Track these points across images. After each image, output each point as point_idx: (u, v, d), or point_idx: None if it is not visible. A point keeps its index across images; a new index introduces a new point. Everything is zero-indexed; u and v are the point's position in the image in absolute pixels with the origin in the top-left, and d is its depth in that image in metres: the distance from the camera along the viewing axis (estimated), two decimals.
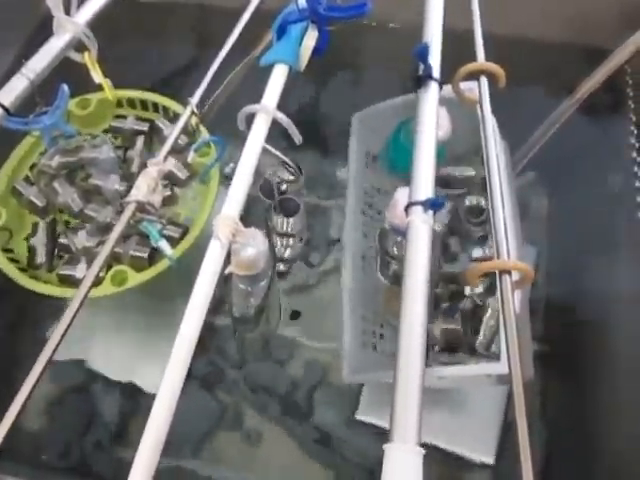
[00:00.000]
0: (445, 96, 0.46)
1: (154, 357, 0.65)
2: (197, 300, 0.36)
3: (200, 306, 0.36)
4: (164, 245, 0.49)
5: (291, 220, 0.65)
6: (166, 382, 0.34)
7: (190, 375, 0.34)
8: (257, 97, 0.44)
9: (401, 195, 0.56)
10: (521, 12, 0.80)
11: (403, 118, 0.66)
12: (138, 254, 0.59)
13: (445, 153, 0.61)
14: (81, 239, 0.60)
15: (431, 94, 0.44)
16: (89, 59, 0.53)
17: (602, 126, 0.75)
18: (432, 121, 0.43)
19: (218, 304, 0.65)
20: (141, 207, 0.43)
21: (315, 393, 0.64)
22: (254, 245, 0.41)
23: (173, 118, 0.67)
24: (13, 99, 0.48)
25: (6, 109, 0.47)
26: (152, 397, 0.64)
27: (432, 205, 0.37)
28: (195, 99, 0.49)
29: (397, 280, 0.61)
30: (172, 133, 0.47)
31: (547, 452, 0.57)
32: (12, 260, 0.59)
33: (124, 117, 0.68)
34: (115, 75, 0.58)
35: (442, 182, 0.64)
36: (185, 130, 0.49)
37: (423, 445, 0.29)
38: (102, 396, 0.65)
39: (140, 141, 0.65)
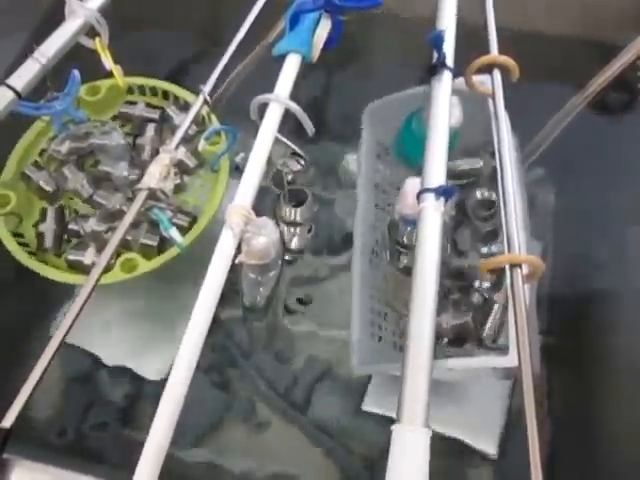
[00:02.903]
0: (456, 89, 0.46)
1: (161, 345, 0.66)
2: (209, 288, 0.36)
3: (212, 295, 0.36)
4: (174, 233, 0.49)
5: (299, 210, 0.65)
6: (176, 370, 0.34)
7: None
8: (269, 87, 0.44)
9: (411, 185, 0.56)
10: (532, 6, 0.79)
11: (415, 109, 0.65)
12: (148, 242, 0.59)
13: (457, 142, 0.61)
14: (91, 225, 0.60)
15: (444, 82, 0.44)
16: (100, 45, 0.53)
17: (612, 122, 0.74)
18: (445, 109, 0.43)
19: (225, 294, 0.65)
20: (153, 194, 0.43)
21: (321, 384, 0.64)
22: (266, 234, 0.41)
23: (183, 106, 0.66)
24: (24, 83, 0.48)
25: (17, 93, 0.47)
26: (157, 384, 0.64)
27: (444, 192, 0.37)
28: (207, 88, 0.49)
29: (408, 271, 0.61)
30: (185, 121, 0.47)
31: (551, 444, 0.57)
32: (22, 244, 0.59)
33: (134, 103, 0.68)
34: (125, 62, 0.58)
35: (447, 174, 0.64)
36: (196, 118, 0.49)
37: None
38: (108, 383, 0.65)
39: (151, 129, 0.65)
